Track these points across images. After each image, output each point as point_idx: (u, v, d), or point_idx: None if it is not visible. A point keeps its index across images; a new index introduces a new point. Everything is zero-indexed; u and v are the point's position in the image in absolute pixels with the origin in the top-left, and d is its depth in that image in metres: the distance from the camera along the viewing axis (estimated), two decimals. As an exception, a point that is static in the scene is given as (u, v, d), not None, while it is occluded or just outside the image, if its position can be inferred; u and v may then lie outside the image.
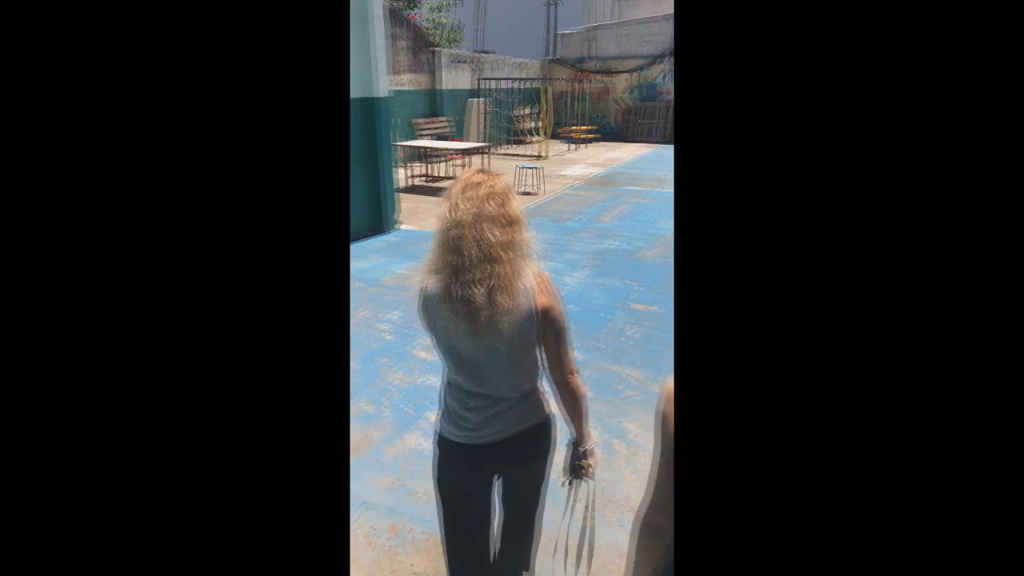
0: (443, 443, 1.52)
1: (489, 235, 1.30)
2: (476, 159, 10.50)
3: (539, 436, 1.52)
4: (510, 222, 1.34)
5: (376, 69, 6.27)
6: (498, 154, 12.99)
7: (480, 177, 1.38)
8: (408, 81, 11.62)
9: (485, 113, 13.62)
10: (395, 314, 4.38)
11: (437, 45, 12.78)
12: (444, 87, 12.68)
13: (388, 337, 4.00)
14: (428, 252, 1.38)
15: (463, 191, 1.34)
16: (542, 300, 1.37)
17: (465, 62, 13.48)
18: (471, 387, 1.43)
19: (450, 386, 1.49)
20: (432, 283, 1.37)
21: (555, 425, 1.55)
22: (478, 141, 12.90)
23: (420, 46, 11.93)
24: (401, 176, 9.46)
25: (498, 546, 1.67)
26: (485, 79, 13.84)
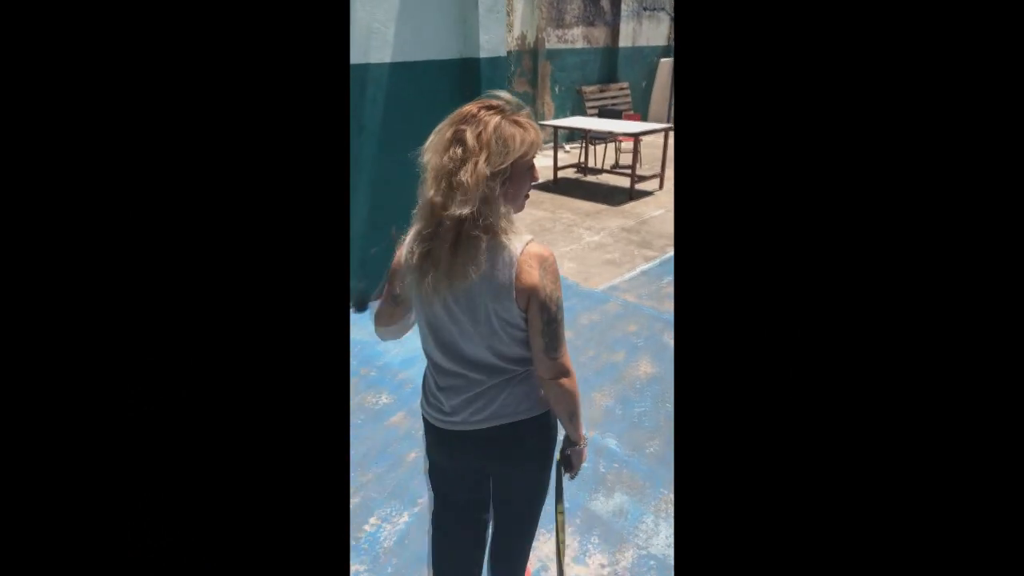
0: (424, 423, 1.39)
1: (464, 212, 1.10)
2: (657, 141, 7.72)
3: (529, 433, 1.30)
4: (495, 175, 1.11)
5: (482, 15, 3.92)
6: (691, 131, 9.90)
7: (480, 113, 1.13)
8: (579, 36, 9.04)
9: (680, 76, 10.51)
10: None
11: (626, -11, 9.90)
12: (628, 44, 9.85)
13: None
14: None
15: (438, 142, 1.14)
16: (528, 276, 1.15)
17: (659, 9, 10.43)
18: (442, 360, 1.27)
19: (428, 358, 1.33)
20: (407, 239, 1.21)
21: (557, 425, 1.34)
22: (664, 114, 9.93)
23: (600, -10, 9.21)
24: (548, 164, 7.11)
25: (487, 560, 1.53)
26: (685, 31, 10.65)
